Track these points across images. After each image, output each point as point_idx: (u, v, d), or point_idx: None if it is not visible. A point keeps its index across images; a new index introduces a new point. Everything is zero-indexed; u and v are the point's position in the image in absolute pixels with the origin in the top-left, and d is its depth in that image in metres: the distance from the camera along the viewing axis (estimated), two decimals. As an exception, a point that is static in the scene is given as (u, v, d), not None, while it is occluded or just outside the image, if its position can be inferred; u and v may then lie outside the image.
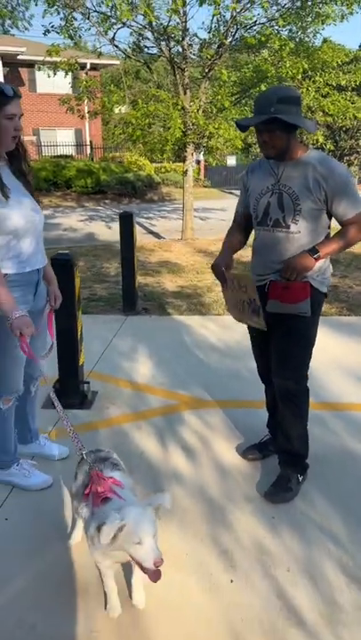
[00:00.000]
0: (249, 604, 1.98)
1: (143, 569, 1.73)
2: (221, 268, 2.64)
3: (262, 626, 1.89)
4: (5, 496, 2.58)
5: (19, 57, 22.89)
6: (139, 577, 1.94)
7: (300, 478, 2.64)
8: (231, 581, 2.09)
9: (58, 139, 25.90)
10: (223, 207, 17.24)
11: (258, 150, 23.39)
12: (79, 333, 3.49)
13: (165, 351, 4.44)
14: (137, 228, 12.07)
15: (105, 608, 1.95)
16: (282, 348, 2.54)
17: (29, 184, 2.43)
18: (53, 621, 1.91)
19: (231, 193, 22.80)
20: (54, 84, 25.78)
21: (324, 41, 9.33)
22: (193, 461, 2.89)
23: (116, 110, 8.80)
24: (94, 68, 22.73)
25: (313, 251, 2.35)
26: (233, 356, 4.30)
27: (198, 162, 8.78)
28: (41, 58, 9.04)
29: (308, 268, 2.35)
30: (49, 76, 9.79)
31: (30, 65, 25.64)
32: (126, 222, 5.21)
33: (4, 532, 2.36)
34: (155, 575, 1.73)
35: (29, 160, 2.47)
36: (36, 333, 2.43)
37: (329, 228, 2.46)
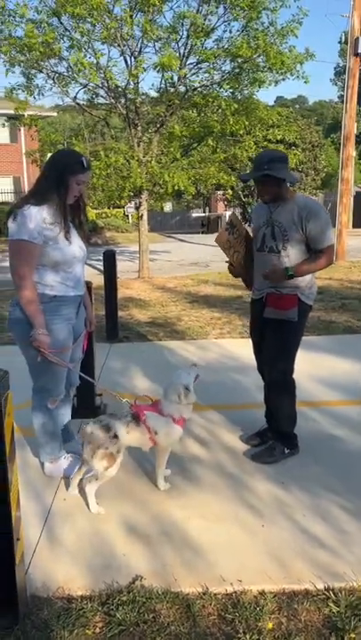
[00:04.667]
0: (280, 538, 2.56)
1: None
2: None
3: (295, 550, 2.47)
4: (58, 483, 3.04)
5: None
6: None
7: (287, 451, 3.31)
8: (263, 526, 2.66)
9: (-4, 187, 26.23)
10: (167, 250, 18.22)
11: (189, 198, 24.58)
12: (94, 355, 4.00)
13: (154, 369, 5.00)
14: (91, 270, 12.59)
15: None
16: (273, 347, 3.23)
17: (83, 230, 3.01)
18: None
19: (171, 237, 23.92)
20: (-11, 133, 26.49)
21: (250, 97, 10.43)
22: (207, 449, 3.46)
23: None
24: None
25: (287, 270, 3.04)
26: (215, 370, 4.93)
27: (137, 207, 9.49)
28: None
29: (280, 281, 3.07)
30: (26, 126, 10.49)
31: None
32: (109, 260, 5.80)
33: (65, 507, 2.82)
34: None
35: (87, 213, 3.07)
36: (75, 349, 3.05)
37: (310, 251, 3.18)
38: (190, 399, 2.88)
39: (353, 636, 2.00)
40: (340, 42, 35.82)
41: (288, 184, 3.11)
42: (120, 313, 7.45)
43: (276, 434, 3.35)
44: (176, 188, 9.34)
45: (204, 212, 30.72)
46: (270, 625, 2.06)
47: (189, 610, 2.14)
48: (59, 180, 2.74)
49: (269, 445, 3.35)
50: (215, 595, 2.22)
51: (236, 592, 2.23)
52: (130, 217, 25.45)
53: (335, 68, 45.72)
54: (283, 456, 3.29)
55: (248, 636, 2.00)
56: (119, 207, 24.34)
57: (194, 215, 30.11)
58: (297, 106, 64.13)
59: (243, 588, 2.25)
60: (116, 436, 2.73)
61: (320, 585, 2.26)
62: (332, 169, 30.30)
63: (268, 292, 3.18)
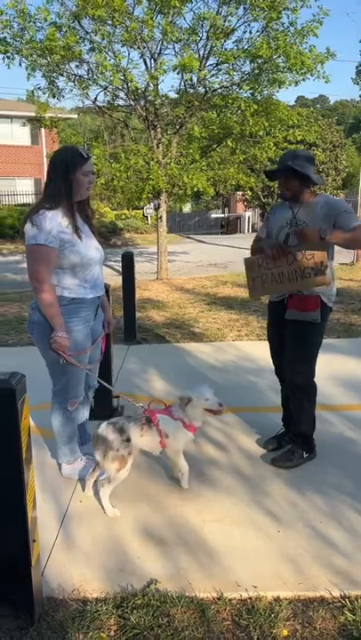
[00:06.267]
0: (296, 544, 2.54)
1: (214, 412, 2.86)
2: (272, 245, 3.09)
3: (311, 556, 2.45)
4: (75, 485, 3.06)
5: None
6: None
7: (305, 455, 3.29)
8: (278, 531, 2.64)
9: (17, 188, 26.54)
10: (186, 251, 18.20)
11: (208, 199, 24.51)
12: (111, 357, 4.03)
13: (172, 371, 5.01)
14: (109, 271, 12.64)
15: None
16: (295, 349, 3.20)
17: (93, 226, 3.02)
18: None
19: (190, 238, 23.91)
20: (13, 135, 26.87)
21: (269, 98, 10.34)
22: (224, 452, 3.45)
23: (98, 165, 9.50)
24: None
25: (323, 232, 2.88)
26: (232, 372, 4.92)
27: (156, 209, 9.53)
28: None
29: (313, 238, 2.88)
30: (47, 128, 10.54)
31: (-13, 118, 26.50)
32: (128, 262, 5.82)
33: (81, 509, 2.84)
34: (219, 412, 2.89)
35: (92, 206, 3.08)
36: (93, 350, 3.06)
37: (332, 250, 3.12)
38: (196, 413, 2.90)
39: (369, 645, 1.98)
40: (361, 41, 35.43)
41: (311, 186, 3.09)
42: (138, 314, 7.47)
43: (296, 437, 3.32)
44: (195, 189, 9.33)
45: (224, 212, 30.63)
46: (285, 632, 2.05)
47: (204, 615, 2.13)
48: (66, 178, 2.75)
49: (288, 450, 3.32)
50: (230, 600, 2.21)
51: (251, 598, 2.22)
52: (149, 218, 25.50)
53: (357, 67, 45.19)
54: (301, 460, 3.27)
55: (262, 643, 1.99)
56: (138, 208, 24.44)
57: (213, 216, 30.01)
58: (318, 105, 63.64)
59: (258, 593, 2.23)
60: (128, 439, 2.75)
61: (336, 592, 2.24)
62: (354, 169, 29.95)
63: (290, 293, 3.15)
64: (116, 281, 7.06)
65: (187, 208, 29.29)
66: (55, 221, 2.73)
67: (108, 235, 19.88)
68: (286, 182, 3.06)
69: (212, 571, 2.38)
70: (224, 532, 2.63)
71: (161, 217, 10.65)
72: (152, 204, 14.98)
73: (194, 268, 13.65)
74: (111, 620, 2.11)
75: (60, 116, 11.34)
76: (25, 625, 2.03)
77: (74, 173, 2.76)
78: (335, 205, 3.03)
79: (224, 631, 2.08)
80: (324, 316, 3.15)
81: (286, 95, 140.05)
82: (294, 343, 3.19)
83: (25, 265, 2.87)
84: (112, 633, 2.06)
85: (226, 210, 30.87)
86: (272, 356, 3.44)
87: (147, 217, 25.87)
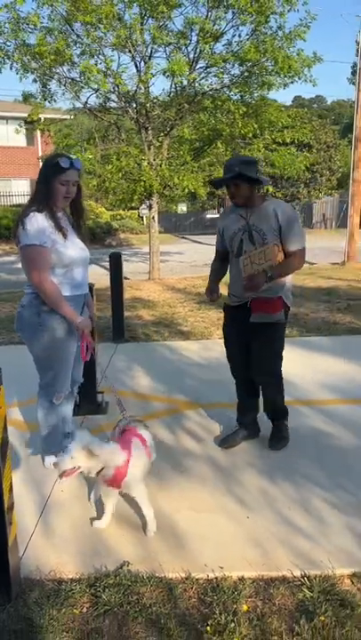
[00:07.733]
0: (264, 529, 2.69)
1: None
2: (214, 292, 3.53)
3: (276, 538, 2.60)
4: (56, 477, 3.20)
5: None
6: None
7: (286, 422, 3.60)
8: (248, 517, 2.79)
9: (13, 189, 26.66)
10: (180, 251, 18.36)
11: (203, 199, 24.57)
12: (96, 353, 4.16)
13: (158, 368, 5.16)
14: (102, 271, 12.78)
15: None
16: (266, 350, 3.35)
17: (81, 232, 3.15)
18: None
19: (185, 238, 24.06)
20: (8, 137, 26.97)
21: (263, 99, 10.49)
22: (200, 444, 3.60)
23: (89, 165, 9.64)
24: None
25: (267, 274, 3.12)
26: (214, 369, 5.06)
27: (150, 208, 9.72)
28: None
29: (261, 285, 3.13)
30: (41, 131, 10.69)
31: (-16, 119, 26.61)
32: (115, 261, 5.96)
33: (62, 498, 2.98)
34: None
35: (87, 218, 3.23)
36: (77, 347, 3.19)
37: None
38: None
39: (323, 618, 2.12)
40: (356, 41, 35.65)
41: (257, 190, 3.23)
42: (128, 314, 7.61)
43: (277, 413, 3.58)
44: (186, 190, 9.48)
45: (219, 212, 30.79)
46: (246, 607, 2.19)
47: (171, 593, 2.28)
48: (46, 184, 2.91)
49: (276, 429, 3.57)
50: (197, 579, 2.35)
51: (216, 578, 2.36)
52: (144, 219, 25.65)
53: (352, 67, 45.42)
54: (288, 432, 3.58)
55: (223, 617, 2.13)
56: (133, 209, 24.58)
57: (208, 216, 30.17)
58: (315, 105, 63.86)
59: (223, 574, 2.38)
60: None
61: (297, 572, 2.38)
62: (348, 169, 30.09)
63: (252, 297, 3.27)
64: (108, 280, 7.19)
65: (182, 209, 29.43)
66: (45, 222, 2.88)
67: (103, 235, 20.03)
68: (238, 189, 3.13)
69: (182, 554, 2.52)
70: (196, 519, 2.77)
71: (153, 218, 10.80)
72: (145, 204, 15.16)
73: (187, 268, 13.79)
74: (84, 598, 2.25)
75: (56, 117, 11.47)
76: (2, 602, 2.18)
77: (52, 181, 2.91)
78: (289, 220, 3.16)
79: (189, 607, 2.22)
80: (286, 315, 3.34)
81: (283, 95, 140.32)
82: (264, 346, 3.32)
83: (20, 265, 3.01)
84: (84, 610, 2.20)
85: (221, 210, 31.01)
86: (234, 358, 3.56)
87: (142, 217, 26.02)
